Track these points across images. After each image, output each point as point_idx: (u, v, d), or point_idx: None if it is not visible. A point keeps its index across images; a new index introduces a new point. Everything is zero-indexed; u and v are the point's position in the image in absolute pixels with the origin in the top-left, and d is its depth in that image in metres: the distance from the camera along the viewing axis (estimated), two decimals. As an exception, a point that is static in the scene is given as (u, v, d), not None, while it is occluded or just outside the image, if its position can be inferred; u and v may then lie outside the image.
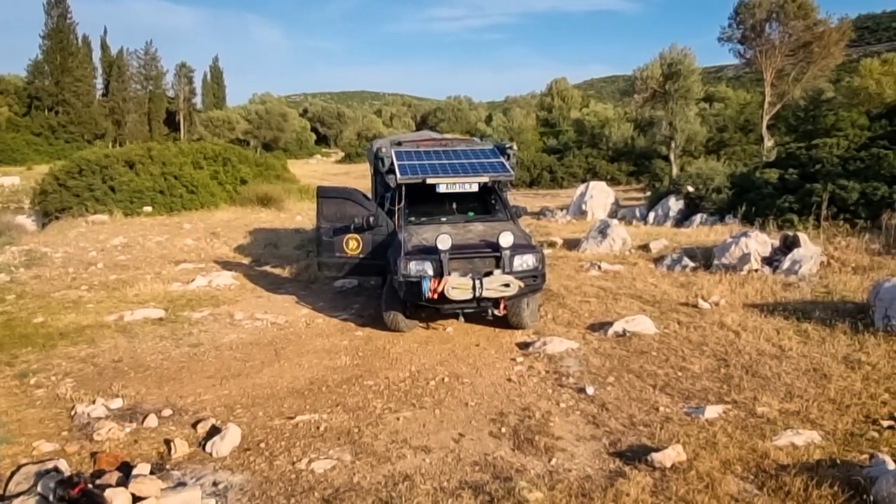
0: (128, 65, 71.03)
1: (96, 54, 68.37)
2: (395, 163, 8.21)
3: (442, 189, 7.91)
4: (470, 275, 6.84)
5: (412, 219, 8.24)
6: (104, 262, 12.34)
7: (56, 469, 4.11)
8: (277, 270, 11.65)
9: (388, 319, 7.55)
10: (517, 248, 7.06)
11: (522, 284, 6.88)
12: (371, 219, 7.96)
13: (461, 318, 7.43)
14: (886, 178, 12.22)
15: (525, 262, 7.08)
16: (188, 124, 71.00)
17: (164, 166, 19.83)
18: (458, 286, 6.70)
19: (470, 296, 6.72)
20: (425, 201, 8.38)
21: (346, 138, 72.38)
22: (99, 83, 68.81)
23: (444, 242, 6.82)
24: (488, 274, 6.89)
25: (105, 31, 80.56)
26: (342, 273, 8.64)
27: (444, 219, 8.25)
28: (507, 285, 6.76)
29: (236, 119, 62.70)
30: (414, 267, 6.98)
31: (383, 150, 8.52)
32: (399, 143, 9.23)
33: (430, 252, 6.99)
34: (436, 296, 6.76)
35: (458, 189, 7.98)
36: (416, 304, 7.29)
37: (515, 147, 8.84)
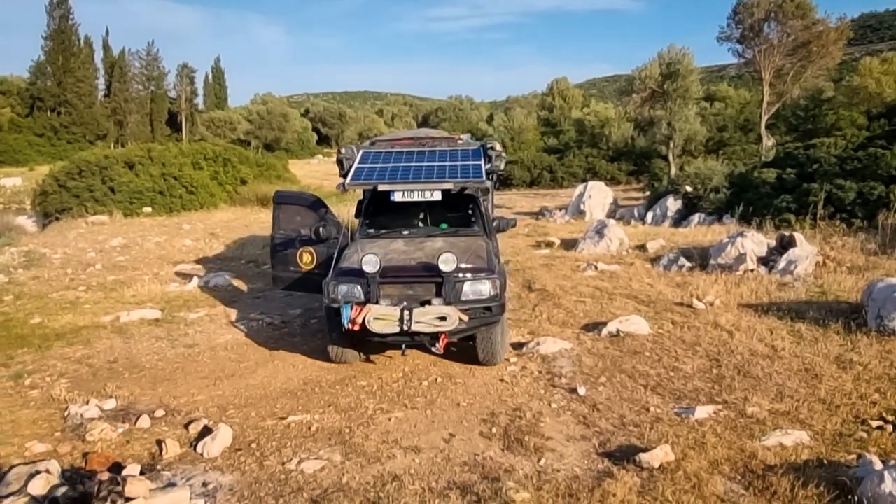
0: (129, 65, 71.32)
1: (98, 55, 68.73)
2: (354, 166, 7.25)
3: (397, 197, 6.71)
4: (401, 304, 5.81)
5: (371, 231, 7.31)
6: (103, 263, 12.38)
7: (47, 471, 4.14)
8: (275, 271, 11.67)
9: (332, 352, 6.54)
10: (466, 273, 5.98)
11: (465, 318, 5.78)
12: (320, 229, 7.05)
13: (403, 351, 6.30)
14: (884, 178, 12.22)
15: (477, 290, 5.98)
16: (190, 125, 71.14)
17: (164, 167, 19.90)
18: (381, 317, 5.70)
19: (396, 329, 5.67)
20: (393, 211, 7.29)
21: (347, 138, 72.46)
22: (101, 84, 69.14)
23: (370, 264, 5.78)
24: (426, 304, 5.85)
25: (107, 32, 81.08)
26: (297, 289, 7.87)
27: (406, 232, 7.17)
28: (442, 318, 5.68)
29: (238, 119, 62.87)
30: (341, 291, 6.04)
31: (343, 150, 7.49)
32: (373, 143, 8.12)
33: (360, 273, 5.93)
34: (356, 327, 5.76)
35: (416, 198, 6.73)
36: (350, 334, 6.11)
37: (499, 147, 7.45)
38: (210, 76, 79.20)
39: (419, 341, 5.97)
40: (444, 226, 7.36)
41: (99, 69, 68.51)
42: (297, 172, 30.08)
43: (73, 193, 18.91)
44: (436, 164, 7.22)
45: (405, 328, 5.67)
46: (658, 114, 28.52)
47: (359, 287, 5.96)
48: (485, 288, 6.01)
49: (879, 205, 11.67)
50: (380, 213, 7.41)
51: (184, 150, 22.21)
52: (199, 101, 78.28)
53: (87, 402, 5.68)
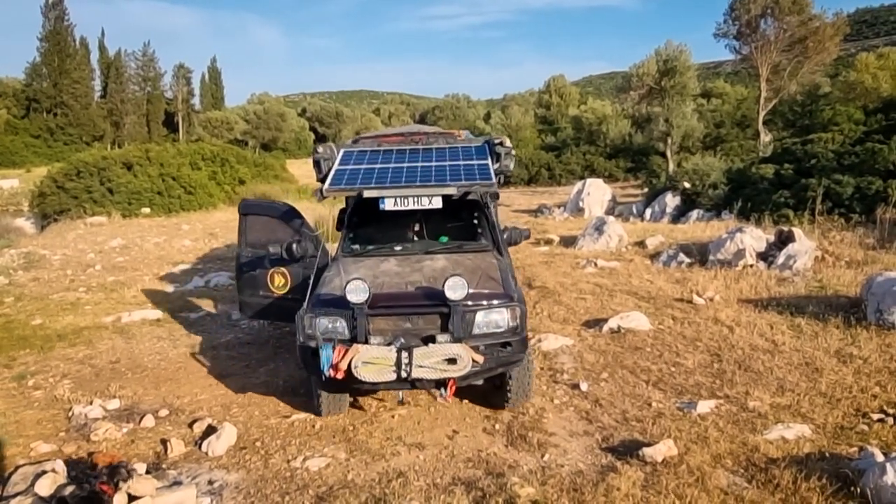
0: (126, 66, 71.20)
1: (94, 56, 68.66)
2: (334, 167, 5.92)
3: (388, 206, 5.36)
4: (395, 344, 4.56)
5: (355, 247, 6.01)
6: (102, 264, 12.38)
7: (53, 470, 4.15)
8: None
9: (322, 405, 5.28)
10: (479, 300, 4.77)
11: (481, 359, 4.63)
12: (294, 246, 5.83)
13: (401, 399, 5.28)
14: (881, 173, 12.26)
15: (492, 321, 4.79)
16: (187, 125, 71.12)
17: (162, 167, 19.91)
18: (372, 361, 4.49)
19: (392, 376, 4.51)
20: (379, 223, 6.08)
21: (344, 137, 72.26)
22: (97, 85, 69.07)
23: (357, 292, 4.57)
24: (429, 341, 4.65)
25: (102, 33, 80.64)
26: (268, 317, 6.63)
27: (398, 247, 5.92)
28: (451, 361, 4.54)
29: (235, 119, 62.84)
30: (319, 326, 4.79)
31: (320, 150, 6.09)
32: (356, 141, 6.80)
33: (343, 303, 4.69)
34: (339, 374, 4.53)
35: (411, 206, 5.38)
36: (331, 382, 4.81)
37: (509, 143, 6.19)
38: (206, 76, 79.16)
39: (423, 388, 4.95)
40: (445, 239, 6.11)
41: (95, 70, 68.49)
42: (294, 172, 30.08)
43: (71, 195, 18.91)
44: (433, 164, 5.98)
45: (404, 375, 4.50)
46: (655, 110, 28.60)
47: (342, 321, 4.75)
48: (502, 318, 4.81)
49: (877, 199, 11.71)
50: (365, 225, 6.16)
51: (181, 151, 22.22)
52: (196, 101, 78.27)
53: (91, 403, 5.70)
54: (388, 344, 4.59)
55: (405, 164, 5.97)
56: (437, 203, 5.44)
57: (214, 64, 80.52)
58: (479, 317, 4.77)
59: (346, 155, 6.19)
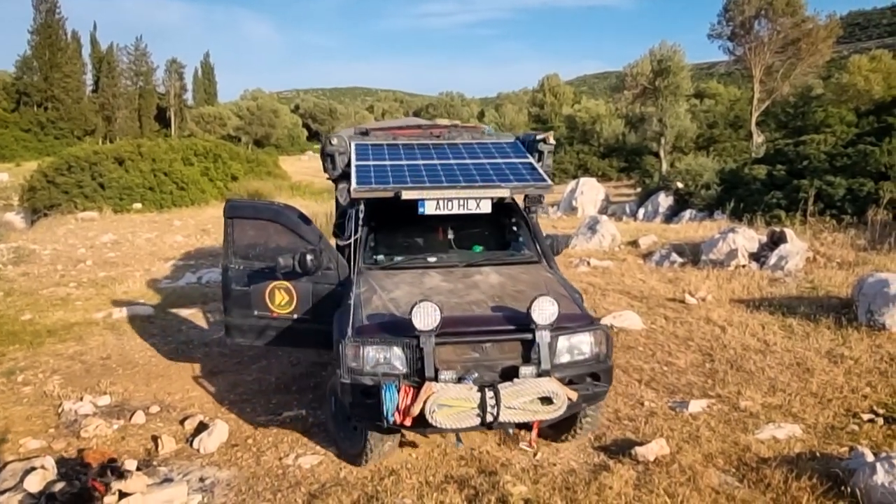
0: (118, 60, 70.63)
1: (86, 50, 68.03)
2: (353, 163, 5.02)
3: (428, 210, 4.59)
4: (471, 380, 3.82)
5: (378, 258, 5.09)
6: (93, 260, 12.30)
7: (43, 467, 4.12)
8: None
9: (360, 446, 4.38)
10: (563, 323, 4.04)
11: (575, 395, 3.95)
12: (309, 257, 4.79)
13: (459, 444, 4.31)
14: (873, 175, 12.34)
15: (576, 347, 4.15)
16: (179, 120, 70.69)
17: (154, 163, 19.82)
18: (450, 403, 3.73)
19: (475, 421, 3.77)
20: (401, 228, 5.33)
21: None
22: (88, 79, 68.45)
23: (423, 316, 3.78)
24: (509, 374, 3.91)
25: (94, 27, 79.97)
26: (264, 341, 5.33)
27: (431, 259, 5.07)
28: (546, 401, 3.84)
29: (227, 115, 62.47)
30: (369, 359, 3.94)
31: (334, 141, 5.11)
32: (365, 133, 5.83)
33: (401, 329, 3.93)
34: (409, 420, 3.77)
35: (455, 210, 4.61)
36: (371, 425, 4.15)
37: (552, 140, 5.47)
38: (199, 72, 78.61)
39: (497, 428, 4.06)
40: (479, 249, 5.35)
41: (86, 64, 67.83)
42: (287, 169, 30.01)
43: (61, 189, 18.79)
44: (469, 161, 5.23)
45: (489, 419, 3.74)
46: (649, 111, 28.69)
47: (399, 351, 3.92)
48: (585, 344, 4.17)
49: (868, 201, 11.79)
50: (385, 232, 5.27)
51: (174, 146, 22.11)
52: (189, 96, 77.76)
53: (81, 399, 5.65)
54: (460, 379, 3.81)
55: (437, 161, 5.19)
56: (487, 207, 4.69)
57: (207, 59, 79.96)
58: (561, 343, 4.07)
59: (360, 149, 5.30)
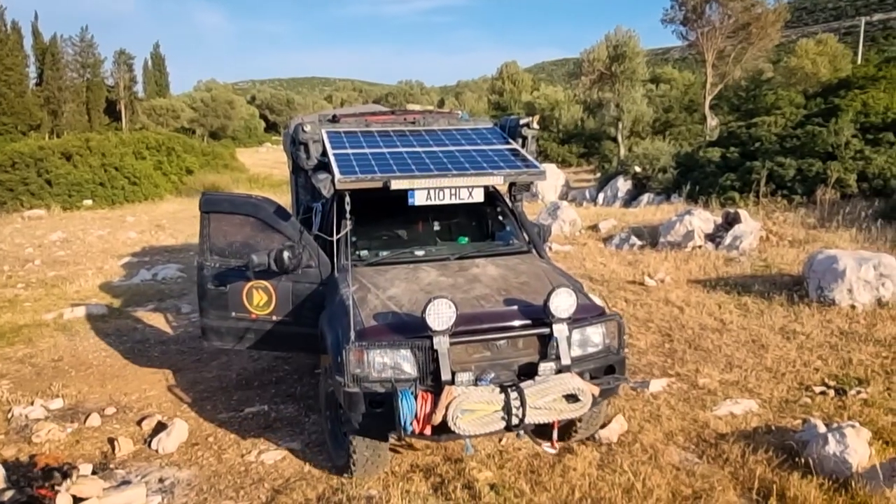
0: (62, 52, 67.97)
1: (28, 41, 65.17)
2: (330, 152, 4.69)
3: (420, 201, 4.43)
4: (488, 381, 3.57)
5: (362, 253, 4.82)
6: (42, 259, 11.87)
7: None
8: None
9: (344, 455, 4.05)
10: (579, 315, 3.86)
11: (597, 390, 3.77)
12: (287, 253, 4.48)
13: (469, 450, 3.82)
14: (821, 155, 12.72)
15: (588, 340, 4.01)
16: (130, 113, 68.52)
17: (104, 157, 19.21)
18: (473, 408, 3.45)
19: (500, 425, 3.51)
20: (382, 220, 5.11)
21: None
22: (32, 72, 65.72)
23: (440, 315, 3.52)
24: (527, 372, 3.70)
25: (36, 17, 76.45)
26: (245, 345, 5.05)
27: (419, 252, 4.83)
28: (573, 398, 3.60)
29: (181, 107, 60.82)
30: (375, 363, 3.66)
31: (307, 129, 4.72)
32: (334, 119, 5.36)
33: (409, 329, 3.70)
34: (428, 429, 3.50)
35: (446, 200, 4.45)
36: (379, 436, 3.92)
37: (536, 125, 5.26)
38: (150, 63, 76.20)
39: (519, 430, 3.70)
40: (464, 240, 5.17)
41: (29, 56, 65.13)
42: (245, 161, 29.47)
43: (6, 187, 18.08)
44: (453, 148, 4.99)
45: (515, 422, 3.49)
46: (606, 96, 28.99)
47: (409, 354, 3.64)
48: (597, 336, 4.04)
49: (817, 181, 12.16)
50: (365, 225, 4.93)
51: (124, 140, 21.46)
52: (139, 88, 75.38)
53: (32, 403, 5.45)
54: (477, 381, 3.56)
55: (419, 149, 4.91)
56: (479, 196, 4.53)
57: (157, 50, 77.53)
58: (575, 336, 3.88)
59: (333, 137, 4.97)
